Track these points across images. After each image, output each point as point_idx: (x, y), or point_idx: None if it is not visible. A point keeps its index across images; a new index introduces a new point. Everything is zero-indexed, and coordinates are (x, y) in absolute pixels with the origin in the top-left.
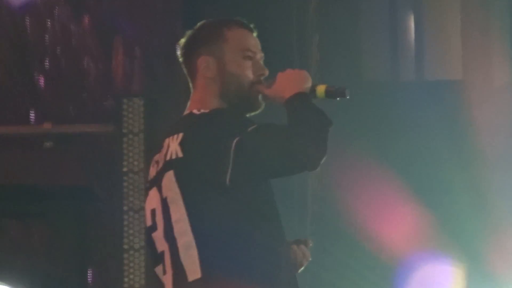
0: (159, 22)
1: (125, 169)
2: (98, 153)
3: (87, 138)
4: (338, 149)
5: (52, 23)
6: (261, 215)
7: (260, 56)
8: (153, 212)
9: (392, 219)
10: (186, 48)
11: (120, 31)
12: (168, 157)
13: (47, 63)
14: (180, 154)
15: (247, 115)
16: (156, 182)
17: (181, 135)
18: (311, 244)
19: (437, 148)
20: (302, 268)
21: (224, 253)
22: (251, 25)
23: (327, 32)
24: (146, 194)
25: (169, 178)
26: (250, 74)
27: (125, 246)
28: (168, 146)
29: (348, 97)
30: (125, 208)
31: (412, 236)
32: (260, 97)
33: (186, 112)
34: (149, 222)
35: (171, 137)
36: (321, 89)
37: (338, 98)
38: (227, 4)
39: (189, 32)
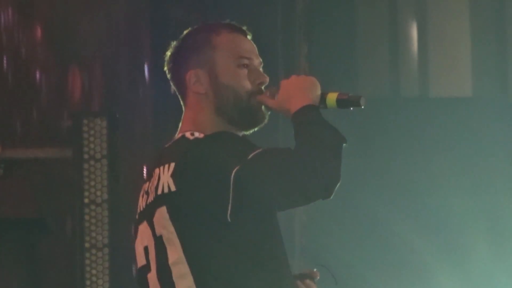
0: (123, 30)
1: (86, 200)
2: (54, 182)
3: (41, 164)
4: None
5: None
6: (268, 253)
7: (258, 62)
8: (146, 250)
9: (392, 244)
10: (172, 62)
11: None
12: (159, 191)
13: None
14: (173, 188)
15: (252, 130)
16: (146, 216)
17: (172, 165)
18: (318, 277)
19: (444, 171)
20: None
21: None
22: (243, 28)
23: (317, 41)
24: (136, 229)
25: (162, 215)
26: (247, 84)
27: None
28: (159, 178)
29: (363, 107)
30: (86, 245)
31: (412, 268)
32: (263, 108)
33: (178, 134)
34: (142, 261)
35: (161, 167)
36: (332, 97)
37: (351, 108)
38: (203, 12)
39: (174, 43)
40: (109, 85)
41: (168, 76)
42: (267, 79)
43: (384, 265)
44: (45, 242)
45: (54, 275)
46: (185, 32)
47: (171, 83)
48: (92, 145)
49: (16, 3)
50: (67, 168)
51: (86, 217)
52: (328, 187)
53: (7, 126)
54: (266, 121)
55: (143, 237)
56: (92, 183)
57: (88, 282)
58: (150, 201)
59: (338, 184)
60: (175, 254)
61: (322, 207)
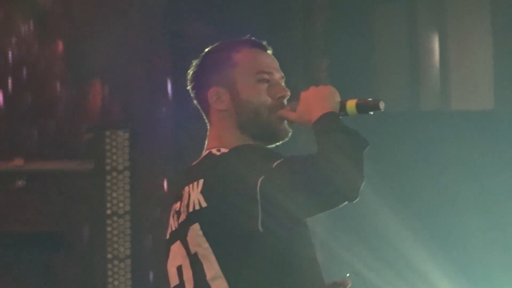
0: (143, 44)
1: (108, 212)
2: (76, 194)
3: (64, 176)
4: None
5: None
6: (301, 260)
7: (279, 76)
8: (179, 269)
9: (409, 258)
10: (194, 81)
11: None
12: (191, 208)
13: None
14: (204, 204)
15: (275, 145)
16: (180, 236)
17: (201, 182)
18: (349, 284)
19: (465, 185)
20: None
21: None
22: (263, 42)
23: (337, 55)
24: (168, 249)
25: (196, 232)
26: (267, 99)
27: None
28: (189, 195)
29: (382, 110)
30: (109, 256)
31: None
32: (285, 123)
33: (205, 152)
34: (175, 281)
35: (190, 185)
36: (351, 104)
37: (371, 112)
38: (221, 27)
39: (195, 62)
40: (130, 98)
41: (192, 94)
42: (288, 92)
43: (399, 273)
44: (67, 254)
45: (78, 286)
46: (205, 50)
47: (194, 101)
48: (114, 157)
49: (37, 18)
50: (88, 181)
51: (108, 229)
52: (352, 190)
53: (29, 139)
54: (289, 136)
55: (176, 257)
56: (114, 194)
57: None
58: (182, 220)
59: (363, 184)
60: (211, 270)
61: (339, 222)
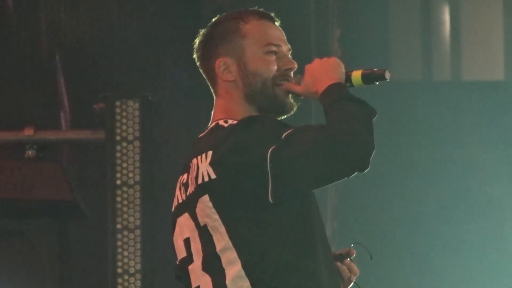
0: (156, 14)
1: (118, 182)
2: (86, 164)
3: (74, 146)
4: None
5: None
6: (311, 231)
7: (286, 48)
8: (187, 241)
9: (422, 226)
10: (201, 51)
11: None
12: (200, 180)
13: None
14: (213, 176)
15: (281, 118)
16: (188, 207)
17: (210, 153)
18: (354, 254)
19: (475, 155)
20: (351, 285)
21: (278, 282)
22: (272, 14)
23: (350, 26)
24: (173, 222)
25: (205, 203)
26: (275, 71)
27: (119, 270)
28: (198, 167)
29: (388, 80)
30: (118, 226)
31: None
32: (291, 96)
33: (212, 123)
34: (182, 254)
35: (199, 157)
36: (357, 75)
37: (377, 82)
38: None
39: (203, 31)
40: (142, 67)
41: (198, 63)
42: (295, 65)
43: (415, 247)
44: (78, 224)
45: (86, 256)
46: (213, 19)
47: (201, 71)
48: (124, 127)
49: None
50: (99, 150)
51: (118, 199)
52: (363, 158)
53: (40, 108)
54: (294, 109)
55: (183, 230)
56: (124, 164)
57: (120, 264)
58: (190, 192)
59: (373, 153)
60: (222, 241)
61: (353, 190)
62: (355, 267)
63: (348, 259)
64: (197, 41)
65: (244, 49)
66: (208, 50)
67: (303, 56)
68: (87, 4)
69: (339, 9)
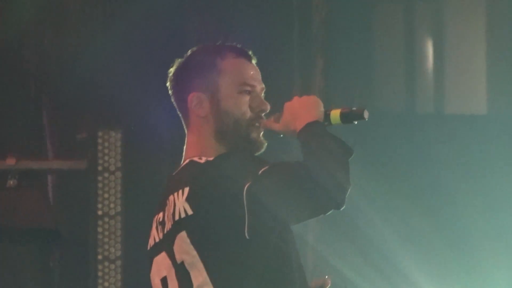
0: (138, 42)
1: (100, 213)
2: (68, 193)
3: (56, 176)
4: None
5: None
6: (288, 267)
7: (260, 88)
8: (164, 281)
9: (404, 257)
10: (175, 82)
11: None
12: (177, 217)
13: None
14: (190, 212)
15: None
16: (165, 246)
17: (187, 190)
18: (329, 285)
19: (457, 188)
20: None
21: None
22: (249, 52)
23: (333, 55)
24: (150, 262)
25: (183, 240)
26: (248, 111)
27: None
28: (174, 204)
29: (366, 119)
30: (99, 257)
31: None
32: (261, 136)
33: (185, 160)
34: None
35: (175, 193)
36: (335, 113)
37: (355, 122)
38: (218, 24)
39: (178, 61)
40: (124, 98)
41: (170, 92)
42: (268, 107)
43: (398, 276)
44: (58, 253)
45: (67, 286)
46: (189, 51)
47: (172, 100)
48: (106, 157)
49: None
50: (81, 180)
51: (99, 229)
52: (338, 196)
53: (22, 137)
54: (263, 149)
55: (160, 269)
56: (106, 195)
57: None
58: (168, 229)
59: (348, 191)
60: (199, 277)
61: (333, 222)
62: None
63: None
64: (171, 70)
65: (218, 86)
66: (182, 82)
67: (286, 85)
68: (71, 32)
69: (323, 38)
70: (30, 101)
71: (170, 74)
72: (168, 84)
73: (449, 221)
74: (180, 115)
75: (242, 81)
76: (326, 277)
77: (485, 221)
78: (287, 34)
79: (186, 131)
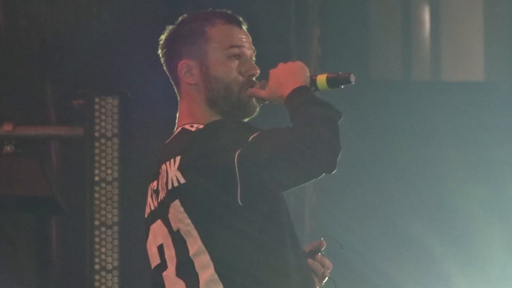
0: (139, 9)
1: (96, 178)
2: (65, 160)
3: (53, 142)
4: (341, 156)
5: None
6: (280, 233)
7: (250, 53)
8: (160, 248)
9: (399, 225)
10: (166, 49)
11: None
12: (170, 186)
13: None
14: (182, 180)
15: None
16: (161, 214)
17: (178, 158)
18: (324, 246)
19: (454, 155)
20: (325, 279)
21: (250, 284)
22: (239, 18)
23: (330, 23)
24: (147, 229)
25: (177, 209)
26: (238, 76)
27: (97, 267)
28: (167, 173)
29: (353, 83)
30: (96, 222)
31: (417, 251)
32: (254, 100)
33: (177, 128)
34: (156, 261)
35: (167, 163)
36: (321, 78)
37: (342, 86)
38: None
39: (169, 28)
40: (122, 64)
41: (162, 60)
42: (258, 71)
43: (392, 247)
44: (56, 219)
45: (65, 252)
46: (180, 18)
47: (164, 68)
48: (103, 124)
49: None
50: (78, 146)
51: (96, 195)
52: (329, 160)
53: (19, 103)
54: (256, 113)
55: (157, 236)
56: (103, 161)
57: (97, 260)
58: (162, 198)
59: (339, 155)
60: (195, 245)
61: (331, 189)
62: (327, 261)
63: (320, 253)
64: (162, 37)
65: (207, 52)
66: (172, 49)
67: (282, 54)
68: (67, 0)
69: (319, 7)
70: (28, 69)
71: (161, 42)
72: (159, 51)
73: (446, 190)
74: (172, 82)
75: (229, 44)
76: (322, 239)
77: (484, 193)
78: (283, 2)
79: (178, 99)
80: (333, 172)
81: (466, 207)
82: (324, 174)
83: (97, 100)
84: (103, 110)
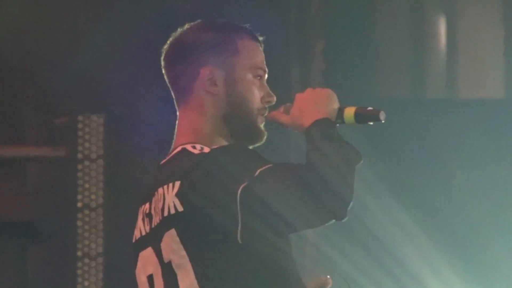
0: (126, 25)
1: (79, 204)
2: (46, 183)
3: (33, 163)
4: None
5: None
6: (284, 276)
7: (265, 77)
8: (150, 278)
9: (411, 253)
10: (184, 52)
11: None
12: (166, 213)
13: None
14: (180, 208)
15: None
16: (152, 242)
17: (177, 184)
18: (330, 285)
19: (472, 177)
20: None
21: None
22: (260, 38)
23: (334, 36)
24: (136, 256)
25: (172, 238)
26: (259, 99)
27: None
28: (164, 197)
29: (383, 121)
30: (79, 253)
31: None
32: (262, 126)
33: (177, 147)
34: None
35: (165, 186)
36: (349, 112)
37: (371, 123)
38: (211, 7)
39: (186, 30)
40: (109, 80)
41: (167, 64)
42: (274, 99)
43: (398, 275)
44: (36, 248)
45: (45, 284)
46: (199, 23)
47: (168, 74)
48: (87, 144)
49: None
50: (60, 169)
51: (79, 223)
52: (339, 209)
53: None
54: (263, 141)
55: (146, 265)
56: (87, 185)
57: None
58: (155, 224)
59: (351, 203)
60: (186, 280)
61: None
62: None
63: None
64: (175, 40)
65: (234, 66)
66: (195, 53)
67: (281, 71)
68: (52, 13)
69: (322, 20)
70: (7, 84)
71: (171, 45)
72: (168, 53)
73: (462, 216)
74: (177, 91)
75: (257, 65)
76: (328, 276)
77: (500, 213)
78: (284, 13)
79: (179, 110)
80: (343, 220)
81: (485, 232)
82: (332, 221)
83: (80, 118)
84: (87, 130)
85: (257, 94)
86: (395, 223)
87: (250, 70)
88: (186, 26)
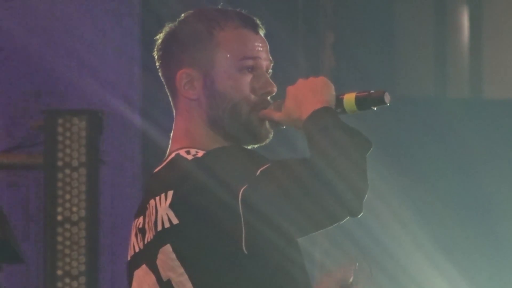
0: (111, 23)
1: (59, 218)
2: (20, 194)
3: (5, 172)
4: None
5: None
6: (292, 285)
7: (266, 64)
8: None
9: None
10: (162, 52)
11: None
12: (159, 227)
13: None
14: (175, 221)
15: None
16: (147, 259)
17: (170, 193)
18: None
19: (493, 182)
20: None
21: None
22: (256, 21)
23: (346, 29)
24: (130, 275)
25: (168, 255)
26: (250, 94)
27: None
28: (156, 210)
29: (388, 104)
30: (59, 272)
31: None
32: (267, 123)
33: (171, 153)
34: None
35: (157, 198)
36: (349, 98)
37: (375, 108)
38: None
39: (168, 27)
40: (90, 77)
41: (157, 64)
42: (275, 88)
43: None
44: (10, 268)
45: None
46: (183, 15)
47: (160, 75)
48: (68, 150)
49: None
50: (37, 178)
51: (59, 238)
52: (353, 203)
53: None
54: (269, 139)
55: (142, 285)
56: (67, 196)
57: None
58: (149, 240)
59: (366, 195)
60: None
61: (345, 227)
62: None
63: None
64: (160, 37)
65: (214, 62)
66: (171, 54)
67: (287, 67)
68: (30, 6)
69: (333, 9)
70: None
71: (158, 42)
72: (155, 54)
73: (484, 215)
74: (168, 93)
75: (243, 55)
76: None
77: None
78: (292, 5)
79: (174, 111)
80: (358, 216)
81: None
82: (348, 218)
83: (60, 121)
84: (67, 134)
85: (245, 89)
86: (420, 225)
87: (234, 63)
88: (167, 24)
